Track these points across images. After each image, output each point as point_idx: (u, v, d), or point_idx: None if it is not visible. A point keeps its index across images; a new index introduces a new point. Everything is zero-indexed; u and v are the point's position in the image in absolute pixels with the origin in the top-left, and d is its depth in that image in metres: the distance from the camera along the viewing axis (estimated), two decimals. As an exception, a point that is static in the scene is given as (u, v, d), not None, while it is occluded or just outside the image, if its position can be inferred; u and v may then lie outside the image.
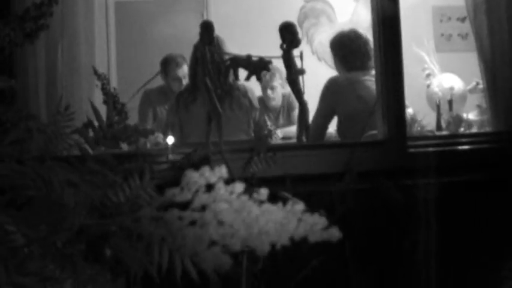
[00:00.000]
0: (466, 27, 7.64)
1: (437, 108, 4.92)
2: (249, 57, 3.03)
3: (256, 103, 4.40)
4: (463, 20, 7.75)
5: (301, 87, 3.04)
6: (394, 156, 2.81)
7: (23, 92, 2.73)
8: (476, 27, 3.31)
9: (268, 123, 5.32)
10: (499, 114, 3.17)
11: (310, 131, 4.08)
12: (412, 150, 2.83)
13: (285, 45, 3.02)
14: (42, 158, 1.49)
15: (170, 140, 3.79)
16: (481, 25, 3.31)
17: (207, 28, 3.05)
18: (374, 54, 3.02)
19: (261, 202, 1.05)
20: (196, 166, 1.70)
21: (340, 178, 2.69)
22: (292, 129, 5.36)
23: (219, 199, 1.02)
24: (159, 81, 5.82)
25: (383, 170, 2.77)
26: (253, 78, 3.02)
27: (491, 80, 3.23)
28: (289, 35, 3.02)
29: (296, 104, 5.78)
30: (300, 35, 3.81)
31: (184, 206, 1.15)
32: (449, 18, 8.01)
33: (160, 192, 1.66)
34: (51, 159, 1.43)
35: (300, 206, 1.08)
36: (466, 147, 2.98)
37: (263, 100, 5.85)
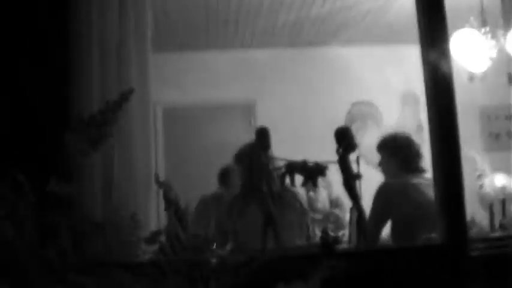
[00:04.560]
0: (514, 125, 7.65)
1: (490, 208, 4.86)
2: (304, 162, 3.01)
3: (306, 206, 4.36)
4: (510, 118, 7.72)
5: (358, 192, 3.00)
6: (455, 260, 2.73)
7: (79, 197, 2.73)
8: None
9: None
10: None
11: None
12: (474, 253, 2.75)
13: (340, 150, 2.99)
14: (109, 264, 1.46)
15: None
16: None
17: (263, 134, 3.06)
18: (432, 158, 2.97)
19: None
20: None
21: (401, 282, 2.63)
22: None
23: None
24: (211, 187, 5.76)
25: (444, 273, 2.68)
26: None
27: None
28: (345, 139, 3.00)
29: (344, 208, 5.77)
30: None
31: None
32: (497, 117, 7.97)
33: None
34: (127, 267, 1.40)
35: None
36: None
37: (309, 203, 5.79)
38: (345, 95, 7.91)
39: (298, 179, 3.14)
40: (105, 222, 1.58)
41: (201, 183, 6.22)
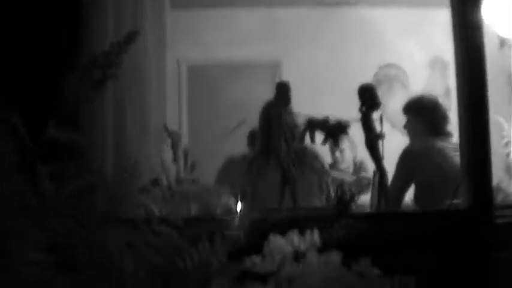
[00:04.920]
0: (546, 94, 7.47)
1: (516, 177, 4.73)
2: (326, 119, 2.92)
3: (327, 167, 4.25)
4: (542, 86, 7.55)
5: (381, 152, 2.89)
6: (480, 227, 2.62)
7: (89, 147, 2.67)
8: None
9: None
10: None
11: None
12: (499, 220, 2.64)
13: (364, 108, 2.88)
14: (105, 218, 1.37)
15: (239, 206, 3.66)
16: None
17: (283, 88, 2.97)
18: (459, 122, 2.84)
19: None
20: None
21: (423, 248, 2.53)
22: (362, 198, 5.20)
23: (311, 271, 0.87)
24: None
25: (467, 241, 2.58)
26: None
27: None
28: (368, 97, 2.89)
29: (368, 171, 5.71)
30: (375, 100, 3.85)
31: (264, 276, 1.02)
32: (529, 85, 7.80)
33: (231, 259, 1.53)
34: (115, 221, 1.32)
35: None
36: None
37: (333, 164, 5.76)
38: (371, 57, 7.76)
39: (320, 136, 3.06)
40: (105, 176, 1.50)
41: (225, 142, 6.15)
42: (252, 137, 5.41)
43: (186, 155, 1.70)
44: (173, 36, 7.60)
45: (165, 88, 3.12)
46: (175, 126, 7.55)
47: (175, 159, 1.72)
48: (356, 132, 5.39)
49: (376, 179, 3.03)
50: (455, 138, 4.30)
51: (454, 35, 2.87)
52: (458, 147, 4.16)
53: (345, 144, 5.76)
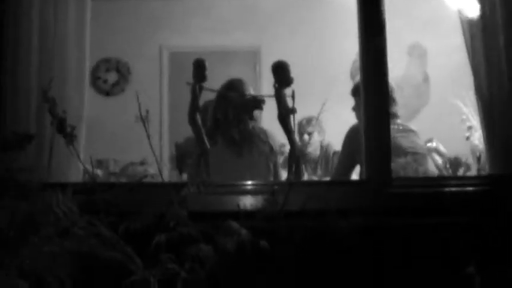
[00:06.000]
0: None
1: (478, 161, 4.83)
2: (242, 95, 3.05)
3: (277, 148, 4.34)
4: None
5: (292, 126, 3.04)
6: (377, 196, 2.77)
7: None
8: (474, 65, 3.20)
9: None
10: (494, 156, 3.09)
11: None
12: (394, 190, 2.79)
13: (276, 84, 3.03)
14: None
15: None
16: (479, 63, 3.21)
17: (198, 65, 3.09)
18: (362, 87, 2.97)
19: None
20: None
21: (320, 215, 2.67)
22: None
23: None
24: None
25: (364, 208, 2.73)
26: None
27: (488, 120, 3.13)
28: (280, 74, 3.04)
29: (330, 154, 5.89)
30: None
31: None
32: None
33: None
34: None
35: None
36: (452, 189, 2.90)
37: (300, 147, 5.90)
38: (351, 45, 7.86)
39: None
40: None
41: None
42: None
43: (62, 120, 1.85)
44: (155, 23, 7.78)
45: (84, 82, 3.24)
46: (156, 111, 7.76)
47: (52, 123, 1.88)
48: (324, 118, 5.54)
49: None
50: (399, 119, 4.45)
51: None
52: (402, 127, 4.33)
53: (312, 127, 5.90)
